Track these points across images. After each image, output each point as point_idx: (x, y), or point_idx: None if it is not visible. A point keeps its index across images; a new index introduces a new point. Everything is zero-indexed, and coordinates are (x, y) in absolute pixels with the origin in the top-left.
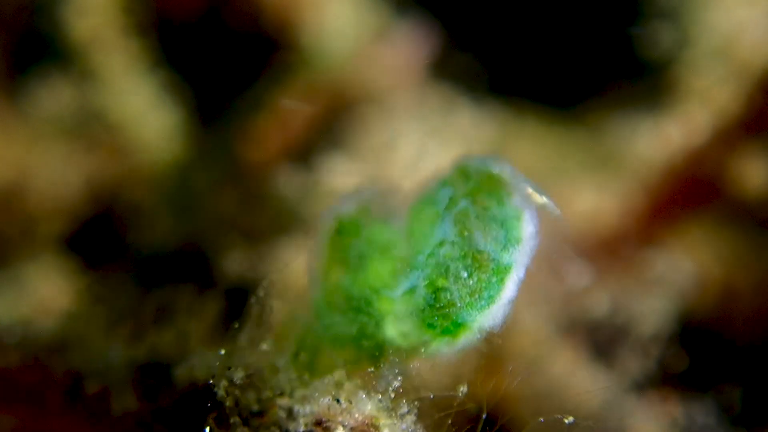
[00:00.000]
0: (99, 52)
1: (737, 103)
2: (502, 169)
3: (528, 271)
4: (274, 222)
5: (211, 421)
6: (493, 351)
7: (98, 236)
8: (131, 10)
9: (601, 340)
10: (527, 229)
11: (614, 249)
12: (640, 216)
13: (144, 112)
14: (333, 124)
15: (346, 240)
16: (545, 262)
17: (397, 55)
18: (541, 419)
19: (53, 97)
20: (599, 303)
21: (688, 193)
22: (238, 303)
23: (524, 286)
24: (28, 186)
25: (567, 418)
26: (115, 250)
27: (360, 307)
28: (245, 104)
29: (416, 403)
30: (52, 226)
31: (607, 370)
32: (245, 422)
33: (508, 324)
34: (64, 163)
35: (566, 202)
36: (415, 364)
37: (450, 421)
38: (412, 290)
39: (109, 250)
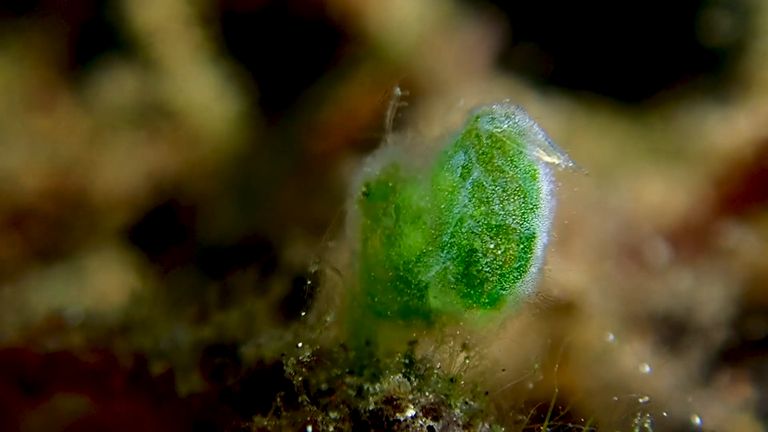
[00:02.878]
0: (163, 42)
1: None
2: (513, 124)
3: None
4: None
5: (279, 400)
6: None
7: (161, 228)
8: (196, 0)
9: (667, 330)
10: (544, 189)
11: (683, 240)
12: (709, 208)
13: (208, 103)
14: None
15: (377, 204)
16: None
17: (462, 46)
18: (616, 398)
19: (116, 87)
20: (664, 295)
21: (758, 185)
22: (302, 291)
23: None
24: (91, 178)
25: (642, 398)
26: (178, 241)
27: (400, 279)
28: (309, 95)
29: (488, 382)
30: (115, 218)
31: (674, 359)
32: (313, 401)
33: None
34: (126, 154)
35: (635, 193)
36: (483, 343)
37: (523, 402)
38: (444, 270)
39: (172, 241)
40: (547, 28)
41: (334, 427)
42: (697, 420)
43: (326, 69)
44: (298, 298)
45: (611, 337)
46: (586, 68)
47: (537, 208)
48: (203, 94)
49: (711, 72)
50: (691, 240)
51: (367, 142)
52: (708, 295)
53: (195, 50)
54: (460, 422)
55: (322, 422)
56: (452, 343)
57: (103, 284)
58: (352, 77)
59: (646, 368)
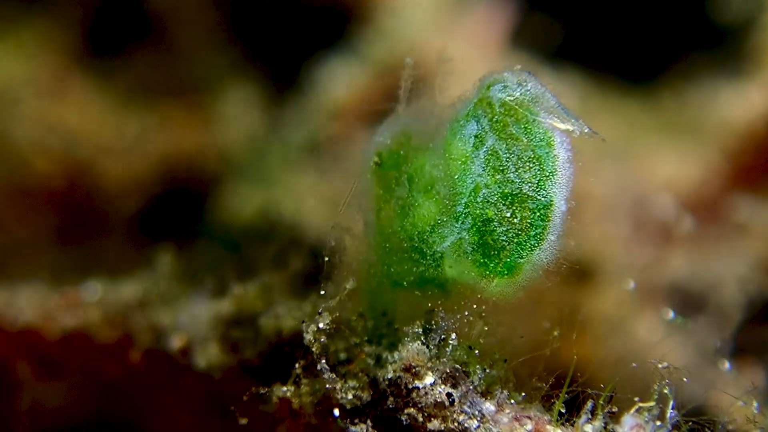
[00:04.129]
0: (176, 24)
1: None
2: (526, 91)
3: (570, 204)
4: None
5: (299, 368)
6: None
7: (175, 210)
8: None
9: (682, 305)
10: (560, 156)
11: (696, 214)
12: (722, 181)
13: (220, 85)
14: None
15: (389, 173)
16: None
17: (475, 25)
18: (634, 365)
19: (129, 71)
20: (680, 267)
21: None
22: (320, 260)
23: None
24: (103, 162)
25: (661, 363)
26: (192, 223)
27: (415, 249)
28: (322, 76)
29: (506, 350)
30: (128, 202)
31: (688, 335)
32: (332, 370)
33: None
34: (139, 138)
35: (648, 169)
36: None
37: (541, 369)
38: (459, 240)
39: (186, 224)
40: (557, 4)
41: (354, 395)
42: (726, 365)
43: (338, 51)
44: (316, 270)
45: (632, 284)
46: (597, 44)
47: (553, 176)
48: (215, 77)
49: (721, 47)
50: (705, 213)
51: (380, 117)
52: (721, 267)
53: (208, 32)
54: (479, 389)
55: (341, 390)
56: (470, 311)
57: (118, 266)
58: (364, 58)
59: (726, 365)
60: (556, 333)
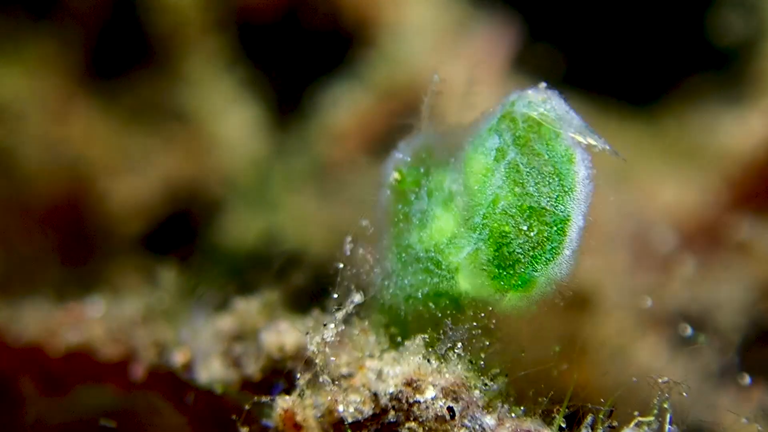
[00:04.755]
0: (179, 48)
1: None
2: (550, 108)
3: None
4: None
5: (302, 381)
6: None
7: (178, 234)
8: (211, 7)
9: (683, 330)
10: (580, 172)
11: (697, 239)
12: (723, 208)
13: (223, 109)
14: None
15: (408, 189)
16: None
17: (476, 49)
18: (635, 379)
19: (133, 94)
20: (680, 293)
21: None
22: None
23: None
24: (105, 182)
25: (661, 378)
26: (194, 246)
27: (431, 260)
28: (324, 100)
29: (507, 364)
30: (131, 225)
31: (690, 359)
32: (335, 382)
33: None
34: (143, 161)
35: (649, 194)
36: (501, 323)
37: (542, 386)
38: (476, 251)
39: (188, 246)
40: (559, 30)
41: (355, 408)
42: (747, 379)
43: (341, 75)
44: (319, 288)
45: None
46: (598, 70)
47: (572, 191)
48: (218, 100)
49: (722, 71)
50: (705, 239)
51: (385, 144)
52: (722, 293)
53: (211, 56)
54: (480, 403)
55: (343, 403)
56: (479, 325)
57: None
58: (366, 83)
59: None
60: (557, 348)
